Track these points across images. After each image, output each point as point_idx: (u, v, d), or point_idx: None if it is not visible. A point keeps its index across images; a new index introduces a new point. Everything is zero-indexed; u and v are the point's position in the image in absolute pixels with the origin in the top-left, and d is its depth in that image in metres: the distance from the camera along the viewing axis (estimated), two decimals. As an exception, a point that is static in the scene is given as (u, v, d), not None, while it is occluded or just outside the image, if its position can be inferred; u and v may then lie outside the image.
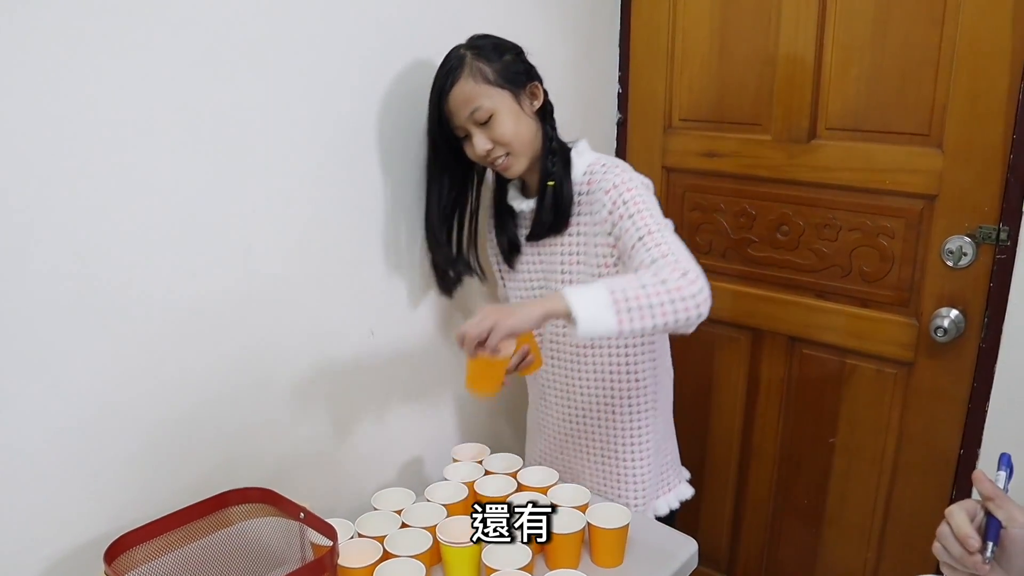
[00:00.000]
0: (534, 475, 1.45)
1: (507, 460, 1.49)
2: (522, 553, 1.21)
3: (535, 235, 1.43)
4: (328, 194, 1.38)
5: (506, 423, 1.91)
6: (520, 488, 1.41)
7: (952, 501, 1.64)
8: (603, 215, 1.32)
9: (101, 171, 1.08)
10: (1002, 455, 0.89)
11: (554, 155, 1.38)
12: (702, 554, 1.38)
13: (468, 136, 1.34)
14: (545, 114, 1.40)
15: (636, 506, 1.50)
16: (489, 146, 1.33)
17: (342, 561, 1.18)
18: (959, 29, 1.48)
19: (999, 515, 0.82)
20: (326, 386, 1.45)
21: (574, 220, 1.39)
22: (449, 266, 1.53)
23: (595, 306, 1.11)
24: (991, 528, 0.82)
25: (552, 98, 1.64)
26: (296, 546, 1.21)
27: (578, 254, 1.40)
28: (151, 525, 1.10)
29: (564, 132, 1.87)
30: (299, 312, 1.38)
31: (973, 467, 1.60)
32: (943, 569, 0.88)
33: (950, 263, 1.57)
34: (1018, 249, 1.47)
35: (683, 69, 1.87)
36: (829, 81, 1.66)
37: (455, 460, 1.51)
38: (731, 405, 1.96)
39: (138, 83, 1.10)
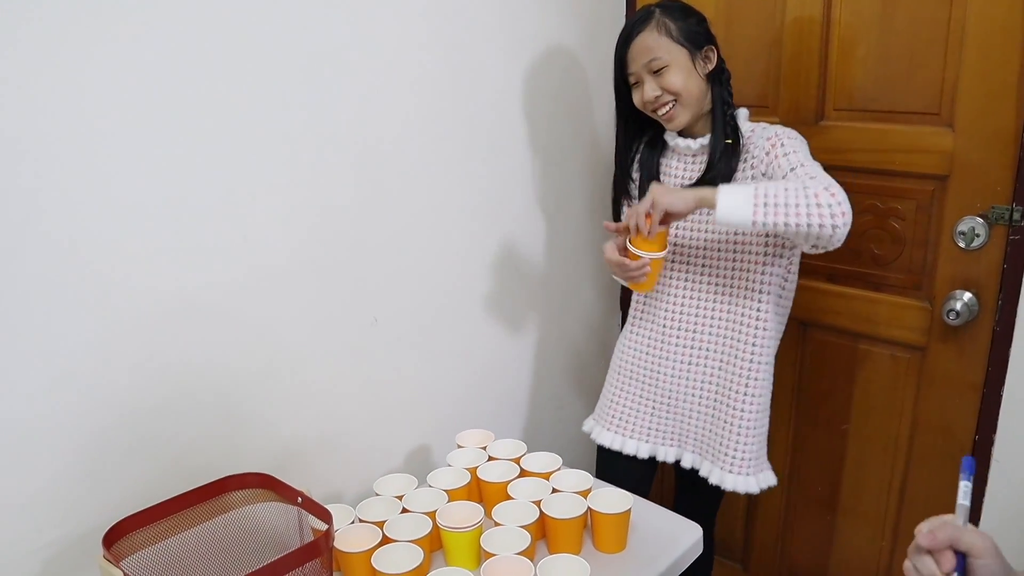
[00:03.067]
0: (537, 461, 1.44)
1: (511, 446, 1.49)
2: (521, 538, 1.20)
3: (705, 181, 1.47)
4: (328, 182, 1.39)
5: (511, 409, 1.90)
6: (523, 474, 1.41)
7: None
8: (760, 156, 1.42)
9: (98, 160, 1.09)
10: (965, 459, 0.85)
11: (726, 116, 1.48)
12: (716, 544, 1.37)
13: (639, 83, 1.45)
14: (719, 79, 1.48)
15: (748, 470, 1.50)
16: (658, 92, 1.43)
17: (342, 546, 1.19)
18: (968, 6, 1.44)
19: (961, 548, 0.77)
20: (330, 373, 1.46)
21: (737, 174, 1.47)
22: (623, 197, 1.61)
23: (738, 194, 1.26)
24: (958, 564, 0.77)
25: (558, 82, 1.65)
26: (295, 531, 1.22)
27: None
28: (150, 510, 1.11)
29: (569, 116, 1.87)
30: (301, 299, 1.39)
31: (989, 454, 1.56)
32: None
33: (962, 245, 1.53)
34: (1032, 229, 1.43)
35: (690, 53, 1.84)
36: (837, 61, 1.63)
37: (459, 446, 1.51)
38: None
39: (136, 71, 1.11)
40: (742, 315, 1.49)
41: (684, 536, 1.34)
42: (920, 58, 1.52)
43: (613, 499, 1.30)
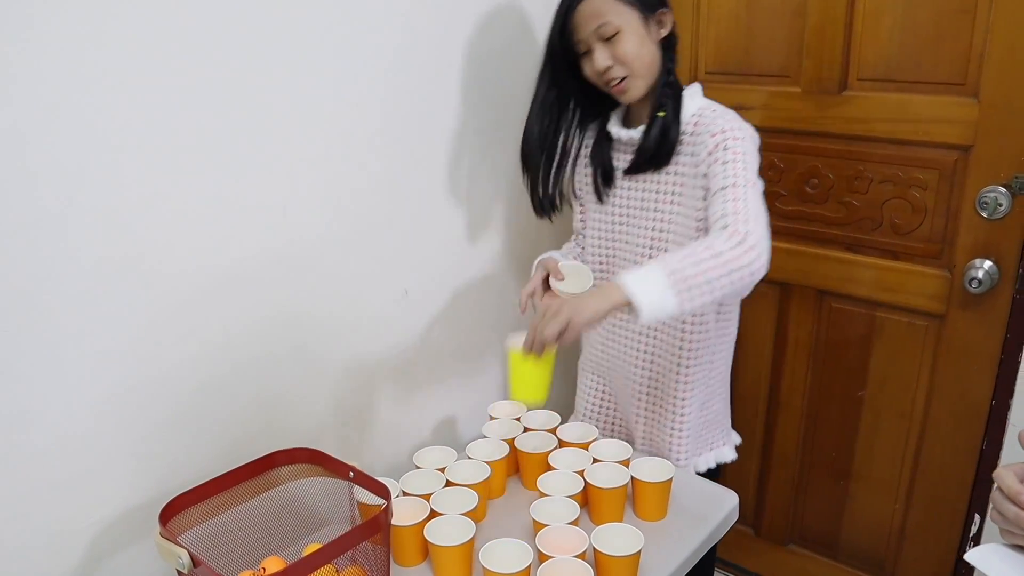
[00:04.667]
0: (573, 431, 1.45)
1: (545, 416, 1.49)
2: (570, 508, 1.21)
3: (635, 167, 1.40)
4: (360, 156, 1.37)
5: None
6: (561, 444, 1.42)
7: (982, 454, 1.66)
8: (702, 155, 1.31)
9: (139, 139, 1.06)
10: None
11: (669, 88, 1.36)
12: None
13: (588, 52, 1.33)
14: (668, 45, 1.37)
15: (678, 459, 1.49)
16: (609, 63, 1.31)
17: (392, 520, 1.19)
18: (999, -26, 1.45)
19: None
20: (361, 347, 1.45)
21: (675, 159, 1.37)
22: (541, 189, 1.48)
23: (656, 292, 1.10)
24: None
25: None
26: (343, 505, 1.22)
27: (674, 194, 1.38)
28: (203, 486, 1.10)
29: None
30: (334, 273, 1.37)
31: (1005, 420, 1.60)
32: (1003, 536, 0.84)
33: (984, 214, 1.55)
34: (1055, 198, 1.46)
35: (709, 22, 1.83)
36: (861, 31, 1.63)
37: (492, 418, 1.51)
38: (758, 359, 1.96)
39: (178, 52, 1.08)
40: (669, 328, 1.45)
41: (723, 503, 1.36)
42: (947, 28, 1.53)
43: (655, 468, 1.31)
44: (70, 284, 1.03)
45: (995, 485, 0.84)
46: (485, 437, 1.44)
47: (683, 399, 1.46)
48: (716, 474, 1.57)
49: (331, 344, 1.39)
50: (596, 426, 1.57)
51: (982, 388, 1.64)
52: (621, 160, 1.46)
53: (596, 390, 1.63)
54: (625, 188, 1.45)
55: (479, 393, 1.71)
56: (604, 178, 1.47)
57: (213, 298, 1.20)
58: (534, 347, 1.14)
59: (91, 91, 1.00)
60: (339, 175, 1.34)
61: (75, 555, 1.11)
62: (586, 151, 1.51)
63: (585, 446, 1.40)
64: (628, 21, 1.30)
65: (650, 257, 1.42)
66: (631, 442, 1.57)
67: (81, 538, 1.11)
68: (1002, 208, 1.53)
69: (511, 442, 1.41)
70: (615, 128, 1.44)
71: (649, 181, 1.41)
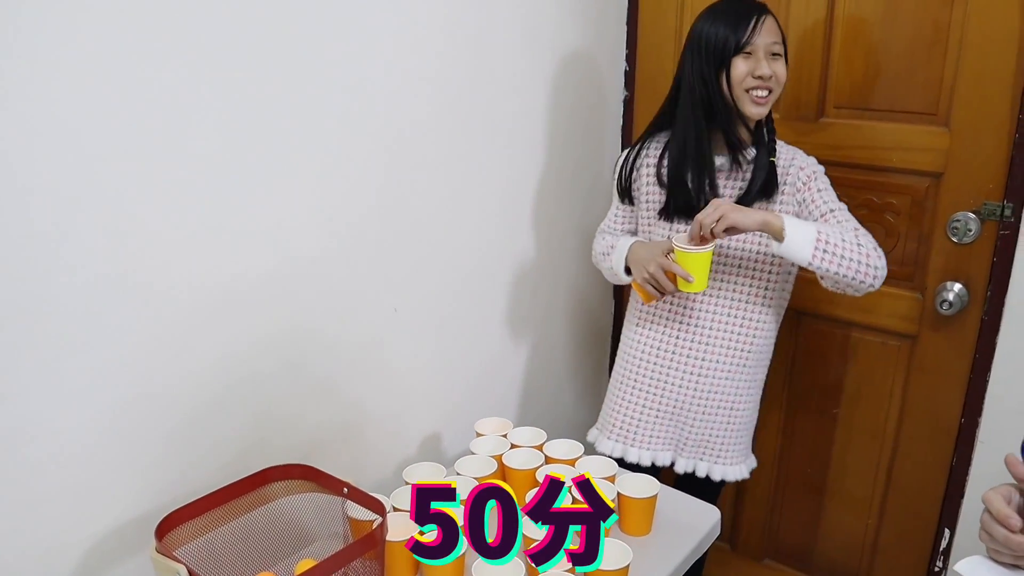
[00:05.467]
0: (560, 448, 1.47)
1: (531, 433, 1.52)
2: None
3: (748, 197, 1.48)
4: (351, 173, 1.39)
5: (526, 396, 1.93)
6: (548, 460, 1.44)
7: (952, 470, 1.71)
8: (796, 185, 1.48)
9: (138, 155, 1.08)
10: None
11: (771, 128, 1.53)
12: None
13: (753, 55, 1.42)
14: None
15: (734, 459, 1.62)
16: (770, 72, 1.42)
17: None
18: (968, 10, 1.52)
19: None
20: (351, 363, 1.47)
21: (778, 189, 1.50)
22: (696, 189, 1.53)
23: (802, 236, 1.34)
24: None
25: (563, 75, 1.65)
26: (335, 521, 1.23)
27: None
28: (199, 502, 1.11)
29: (576, 107, 1.89)
30: (326, 291, 1.39)
31: (974, 437, 1.66)
32: (990, 554, 0.89)
33: (955, 239, 1.62)
34: (1021, 225, 1.52)
35: (691, 48, 1.88)
36: (838, 61, 1.69)
37: (479, 434, 1.53)
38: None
39: (175, 67, 1.09)
40: (747, 323, 1.55)
41: (704, 519, 1.39)
42: (920, 59, 1.59)
43: (640, 484, 1.34)
44: (68, 299, 1.04)
45: (984, 508, 0.88)
46: (473, 453, 1.46)
47: (746, 399, 1.60)
48: (720, 487, 1.65)
49: (322, 361, 1.41)
50: (634, 439, 1.64)
51: (952, 406, 1.70)
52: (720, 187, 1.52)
53: (636, 404, 1.64)
54: None
55: (464, 410, 1.73)
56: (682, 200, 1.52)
57: (209, 316, 1.21)
58: (699, 232, 1.36)
59: (91, 108, 1.02)
60: (331, 195, 1.36)
61: (69, 569, 1.11)
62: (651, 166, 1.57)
63: (572, 462, 1.42)
64: (784, 53, 1.46)
65: (749, 273, 1.55)
66: (678, 451, 1.64)
67: (75, 551, 1.11)
68: (971, 233, 1.59)
69: (499, 458, 1.43)
70: (719, 156, 1.51)
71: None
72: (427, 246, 1.56)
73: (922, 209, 1.66)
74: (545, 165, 1.82)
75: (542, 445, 1.48)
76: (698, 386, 1.58)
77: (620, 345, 1.71)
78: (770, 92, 1.44)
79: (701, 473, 1.62)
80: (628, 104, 2.02)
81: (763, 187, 1.47)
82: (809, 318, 1.87)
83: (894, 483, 1.83)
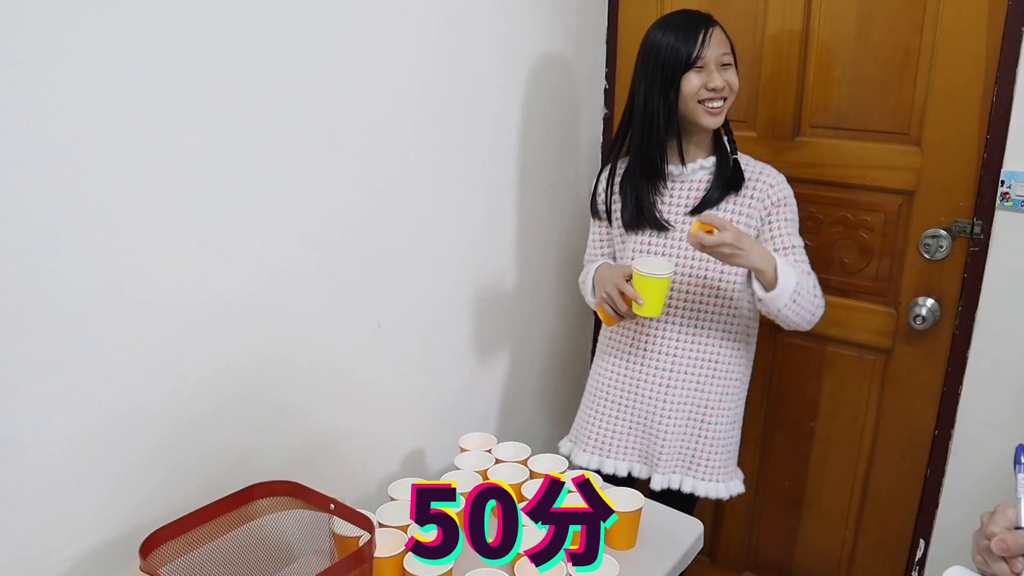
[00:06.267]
0: (544, 462, 1.48)
1: (515, 448, 1.52)
2: (535, 535, 1.24)
3: (711, 198, 1.52)
4: (335, 190, 1.39)
5: (505, 413, 1.94)
6: (532, 475, 1.44)
7: (926, 482, 1.74)
8: (764, 202, 1.51)
9: (121, 171, 1.07)
10: (1019, 448, 0.86)
11: (728, 130, 1.56)
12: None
13: (704, 69, 1.45)
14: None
15: (712, 474, 1.62)
16: (722, 83, 1.45)
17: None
18: (938, 34, 1.56)
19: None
20: (335, 379, 1.46)
21: (734, 197, 1.52)
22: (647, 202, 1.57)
23: (786, 286, 1.39)
24: None
25: (543, 93, 1.65)
26: (320, 538, 1.22)
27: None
28: (184, 519, 1.10)
29: (555, 125, 1.90)
30: (309, 307, 1.38)
31: (947, 449, 1.69)
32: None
33: (927, 255, 1.66)
34: (991, 242, 1.56)
35: (669, 67, 1.92)
36: (813, 81, 1.73)
37: (463, 449, 1.53)
38: (714, 393, 2.03)
39: (159, 80, 1.09)
40: (716, 341, 1.57)
41: (688, 532, 1.40)
42: (892, 81, 1.64)
43: (625, 498, 1.35)
44: (49, 314, 1.03)
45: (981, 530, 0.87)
46: (457, 469, 1.46)
47: (723, 415, 1.60)
48: (693, 502, 1.64)
49: (305, 378, 1.40)
50: (609, 450, 1.66)
51: (925, 420, 1.73)
52: (675, 194, 1.56)
53: (609, 416, 1.66)
54: (676, 222, 1.55)
55: (446, 425, 1.73)
56: (646, 210, 1.56)
57: (193, 332, 1.20)
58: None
59: (81, 123, 1.01)
60: (314, 213, 1.36)
61: (49, 589, 1.09)
62: (633, 184, 1.57)
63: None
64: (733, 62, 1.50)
65: (679, 295, 1.56)
66: (653, 465, 1.63)
67: (57, 571, 1.09)
68: (943, 250, 1.63)
69: (484, 473, 1.43)
70: (676, 167, 1.55)
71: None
72: (410, 263, 1.56)
73: (895, 226, 1.70)
74: (525, 183, 1.84)
75: (527, 460, 1.48)
76: (667, 398, 1.59)
77: (593, 362, 1.73)
78: (724, 101, 1.48)
79: (675, 484, 1.63)
80: (608, 121, 2.05)
81: (729, 183, 1.51)
82: (785, 333, 1.89)
83: (870, 495, 1.86)
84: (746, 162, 1.55)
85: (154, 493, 1.20)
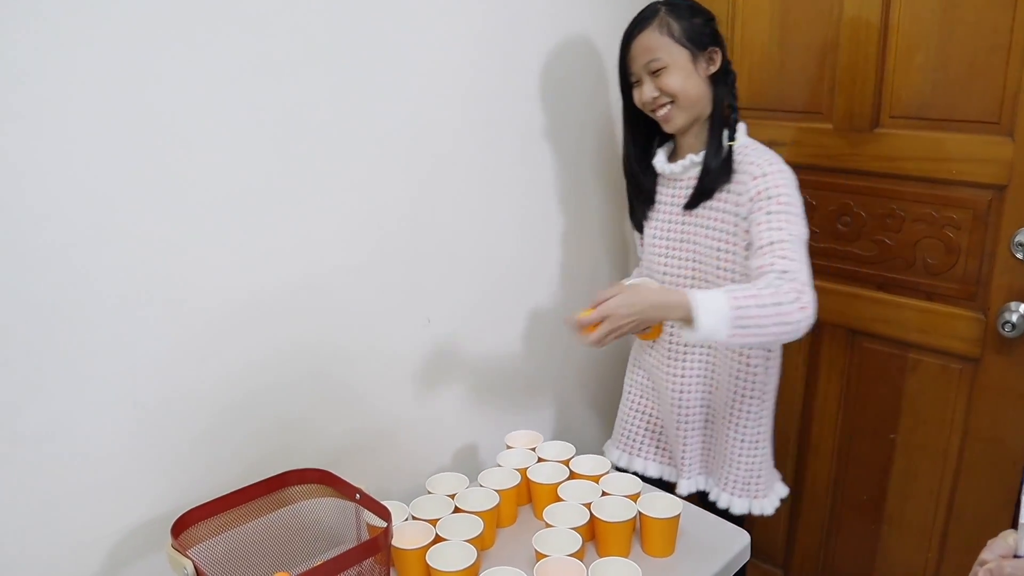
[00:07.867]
0: (586, 464, 1.46)
1: (559, 448, 1.51)
2: (572, 540, 1.22)
3: (699, 194, 1.45)
4: (383, 185, 1.41)
5: (558, 411, 1.92)
6: (572, 476, 1.42)
7: (1019, 501, 1.59)
8: (745, 199, 1.37)
9: (165, 169, 1.13)
10: None
11: (726, 120, 1.44)
12: (757, 547, 1.37)
13: (639, 83, 1.43)
14: (722, 81, 1.44)
15: (734, 490, 1.53)
16: (656, 94, 1.41)
17: (397, 542, 1.22)
18: (1033, 11, 1.43)
19: None
20: (383, 373, 1.49)
21: (718, 194, 1.43)
22: (638, 203, 1.58)
23: (716, 318, 1.19)
24: None
25: (607, 90, 1.62)
26: (352, 526, 1.25)
27: (712, 228, 1.44)
28: (214, 502, 1.15)
29: (601, 125, 1.86)
30: (356, 300, 1.42)
31: (1042, 467, 1.55)
32: None
33: (1020, 256, 1.51)
34: (1093, 241, 1.41)
35: (742, 57, 1.84)
36: (894, 68, 1.62)
37: (508, 447, 1.53)
38: (789, 399, 1.93)
39: (213, 81, 1.15)
40: (726, 356, 1.49)
41: (732, 542, 1.35)
42: (981, 65, 1.51)
43: (663, 504, 1.31)
44: (99, 306, 1.10)
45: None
46: (499, 466, 1.46)
47: (740, 434, 1.52)
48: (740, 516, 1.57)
49: (352, 370, 1.44)
50: (639, 449, 1.64)
51: (1019, 435, 1.59)
52: (664, 194, 1.53)
53: (635, 416, 1.66)
54: (666, 221, 1.53)
55: (500, 421, 1.73)
56: (643, 210, 1.56)
57: (236, 323, 1.26)
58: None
59: (126, 126, 1.07)
60: (362, 205, 1.39)
61: (96, 563, 1.16)
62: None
63: (596, 479, 1.40)
64: (676, 58, 1.39)
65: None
66: (679, 470, 1.60)
67: (104, 545, 1.17)
68: (1038, 250, 1.49)
69: (524, 471, 1.42)
70: (660, 163, 1.52)
71: (693, 215, 1.47)
72: (460, 257, 1.57)
73: (984, 224, 1.56)
74: (576, 175, 1.81)
75: (568, 460, 1.46)
76: (680, 402, 1.55)
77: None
78: (671, 104, 1.41)
79: (712, 496, 1.57)
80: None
81: (717, 177, 1.42)
82: (862, 337, 1.78)
83: (956, 514, 1.72)
84: (741, 151, 1.42)
85: (199, 475, 1.26)
